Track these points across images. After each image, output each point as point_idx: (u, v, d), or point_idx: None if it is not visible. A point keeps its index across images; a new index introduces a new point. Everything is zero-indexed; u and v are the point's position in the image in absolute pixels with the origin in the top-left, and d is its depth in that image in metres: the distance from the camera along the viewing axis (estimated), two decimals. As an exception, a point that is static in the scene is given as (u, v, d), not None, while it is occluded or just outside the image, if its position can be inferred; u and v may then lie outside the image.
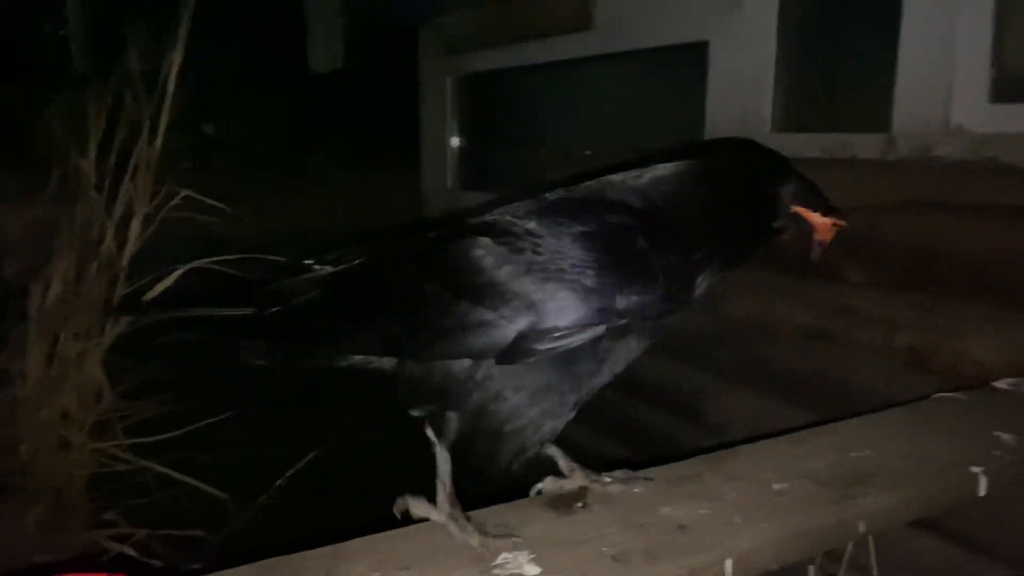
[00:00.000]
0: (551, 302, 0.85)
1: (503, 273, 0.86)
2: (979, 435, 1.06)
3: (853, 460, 0.99)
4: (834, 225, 1.00)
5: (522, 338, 0.85)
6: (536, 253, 0.86)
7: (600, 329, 0.87)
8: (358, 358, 0.94)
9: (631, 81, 3.07)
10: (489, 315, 0.85)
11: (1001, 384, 1.27)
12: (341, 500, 1.90)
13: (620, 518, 0.86)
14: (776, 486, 0.92)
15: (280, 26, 5.62)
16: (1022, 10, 1.86)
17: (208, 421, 2.01)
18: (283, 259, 1.87)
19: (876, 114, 2.11)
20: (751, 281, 2.07)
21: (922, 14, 1.99)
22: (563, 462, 0.96)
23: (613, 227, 0.89)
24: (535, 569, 0.77)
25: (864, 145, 2.12)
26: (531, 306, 0.85)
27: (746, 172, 1.02)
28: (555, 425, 0.91)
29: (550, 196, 0.95)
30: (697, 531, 0.83)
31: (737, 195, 0.99)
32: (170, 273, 1.92)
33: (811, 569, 1.12)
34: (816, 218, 0.99)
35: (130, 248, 2.04)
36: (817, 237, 1.00)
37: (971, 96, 1.92)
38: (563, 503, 0.90)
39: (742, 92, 2.46)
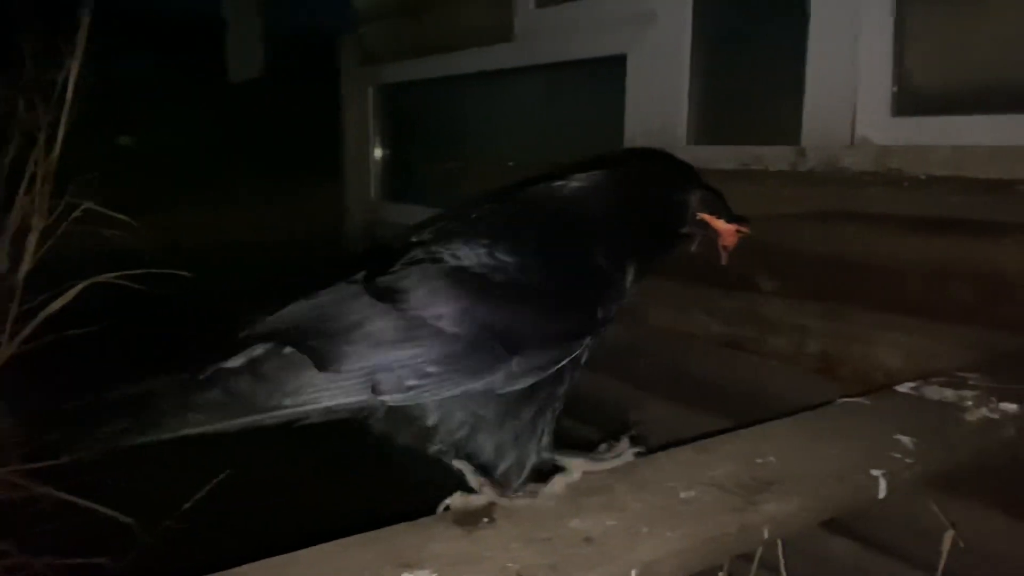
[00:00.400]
0: (548, 322, 0.87)
1: (493, 301, 0.86)
2: (880, 438, 1.08)
3: (758, 466, 1.00)
4: (738, 232, 1.03)
5: (523, 361, 0.85)
6: (518, 277, 0.87)
7: (588, 340, 0.90)
8: (317, 408, 0.86)
9: (552, 93, 3.09)
10: (492, 347, 0.85)
11: (903, 388, 1.30)
12: (251, 522, 1.84)
13: (526, 533, 0.84)
14: (683, 494, 0.92)
15: (197, 35, 5.49)
16: (920, 30, 1.94)
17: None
18: (189, 274, 1.82)
19: (787, 127, 2.17)
20: (668, 292, 2.10)
21: (827, 31, 2.05)
22: (472, 476, 0.95)
23: (574, 240, 0.93)
24: (436, 588, 0.75)
25: (775, 157, 2.17)
26: (528, 328, 0.86)
27: (656, 180, 1.05)
28: (551, 434, 0.92)
29: (490, 212, 0.96)
30: (603, 543, 0.83)
31: (648, 202, 1.02)
32: (69, 288, 1.84)
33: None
34: (721, 225, 1.02)
35: (27, 263, 1.94)
36: (722, 243, 1.03)
37: (875, 110, 1.99)
38: (468, 519, 0.88)
39: (659, 105, 2.50)
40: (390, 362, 0.84)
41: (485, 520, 0.87)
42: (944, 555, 1.11)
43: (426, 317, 0.84)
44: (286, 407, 0.85)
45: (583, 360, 0.93)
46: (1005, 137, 1.74)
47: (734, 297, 2.02)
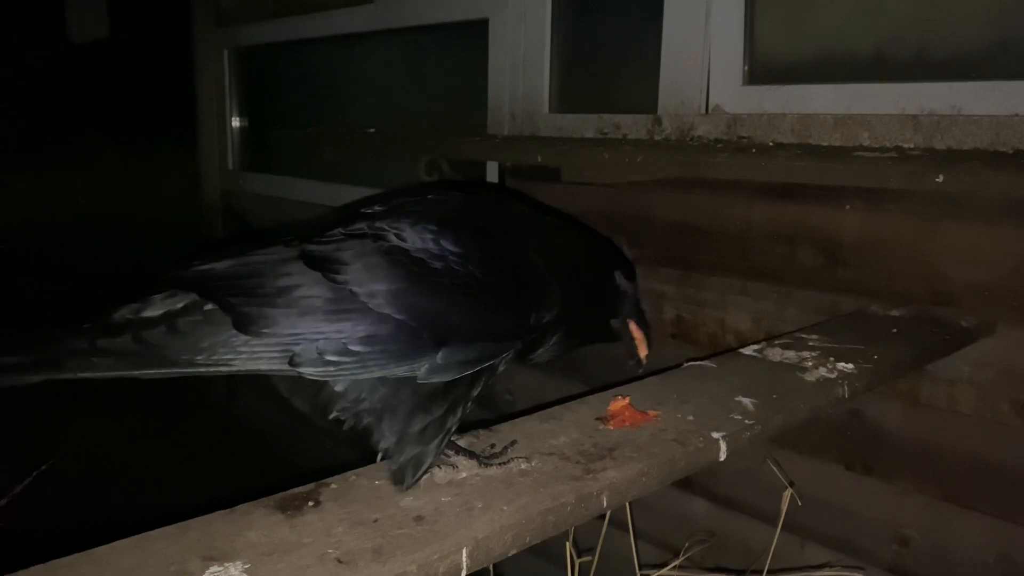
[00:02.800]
0: (480, 319, 0.86)
1: (429, 288, 0.83)
2: (722, 401, 1.09)
3: (600, 433, 0.98)
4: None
5: (449, 354, 0.83)
6: (458, 269, 0.85)
7: (514, 346, 0.90)
8: (230, 371, 0.82)
9: (415, 57, 3.00)
10: (420, 335, 0.82)
11: (747, 350, 1.32)
12: (76, 517, 1.70)
13: (353, 515, 0.79)
14: (523, 465, 0.89)
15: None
16: (769, 2, 1.98)
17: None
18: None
19: (646, 96, 2.17)
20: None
21: (682, 2, 2.06)
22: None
23: (521, 250, 0.93)
24: (246, 581, 0.69)
25: (633, 125, 2.18)
26: (460, 322, 0.85)
27: (609, 259, 1.09)
28: (453, 434, 0.90)
29: (448, 200, 0.96)
30: (435, 521, 0.78)
31: (592, 268, 1.06)
32: None
33: (567, 545, 1.12)
34: (638, 335, 1.07)
35: None
36: (639, 350, 1.07)
37: (727, 79, 2.02)
38: (293, 503, 0.82)
39: (522, 72, 2.46)
40: (313, 334, 0.80)
41: (311, 504, 0.82)
42: (783, 512, 1.14)
43: (358, 293, 0.81)
44: (198, 365, 0.79)
45: (499, 369, 0.92)
46: (848, 106, 1.80)
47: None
